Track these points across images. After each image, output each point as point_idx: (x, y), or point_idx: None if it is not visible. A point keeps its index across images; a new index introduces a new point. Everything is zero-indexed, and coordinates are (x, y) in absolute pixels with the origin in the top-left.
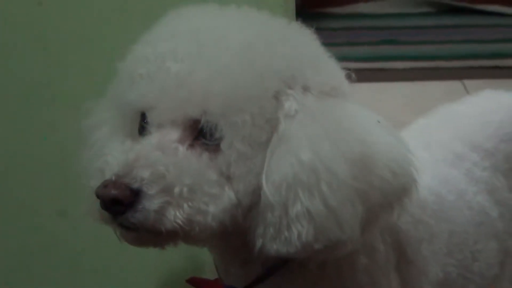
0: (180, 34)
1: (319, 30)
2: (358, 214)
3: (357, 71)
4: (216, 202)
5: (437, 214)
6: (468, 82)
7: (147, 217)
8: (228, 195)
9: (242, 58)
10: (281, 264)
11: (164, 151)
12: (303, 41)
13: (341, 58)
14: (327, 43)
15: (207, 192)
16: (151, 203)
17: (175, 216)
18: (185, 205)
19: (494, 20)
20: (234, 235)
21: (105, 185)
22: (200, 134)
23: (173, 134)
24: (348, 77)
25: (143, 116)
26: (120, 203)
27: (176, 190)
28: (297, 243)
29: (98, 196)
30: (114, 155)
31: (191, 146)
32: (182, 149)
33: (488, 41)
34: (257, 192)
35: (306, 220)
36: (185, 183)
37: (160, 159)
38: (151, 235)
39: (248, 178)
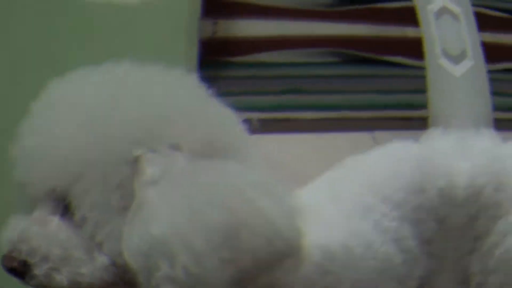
0: (39, 109)
1: (222, 79)
2: (227, 278)
3: (262, 121)
4: (87, 265)
5: (345, 264)
6: (377, 133)
7: (41, 281)
8: (99, 258)
9: (85, 126)
10: None
11: (40, 224)
12: (179, 94)
13: (245, 108)
14: (230, 92)
15: (77, 257)
16: (38, 270)
17: (61, 279)
18: (64, 270)
19: (401, 70)
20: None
21: (2, 258)
22: (61, 205)
23: (47, 207)
24: (250, 128)
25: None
26: (15, 272)
27: (52, 258)
28: None
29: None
30: (9, 230)
31: (63, 216)
32: (55, 220)
33: (396, 92)
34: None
35: (171, 284)
36: (56, 253)
37: (35, 233)
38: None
39: (112, 242)
